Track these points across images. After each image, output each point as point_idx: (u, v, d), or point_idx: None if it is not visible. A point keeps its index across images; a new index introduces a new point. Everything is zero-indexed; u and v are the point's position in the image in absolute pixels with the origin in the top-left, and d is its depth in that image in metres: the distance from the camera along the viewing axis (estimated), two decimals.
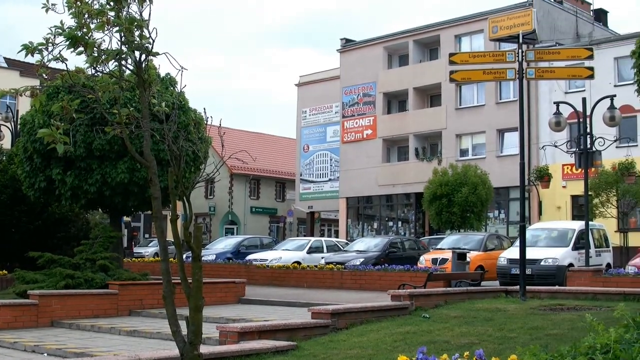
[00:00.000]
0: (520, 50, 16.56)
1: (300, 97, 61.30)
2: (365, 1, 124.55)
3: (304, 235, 58.91)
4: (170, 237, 15.82)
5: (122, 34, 6.56)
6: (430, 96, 52.05)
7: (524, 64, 16.50)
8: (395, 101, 53.98)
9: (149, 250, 50.16)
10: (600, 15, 54.34)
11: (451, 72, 17.29)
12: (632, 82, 15.66)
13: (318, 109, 59.74)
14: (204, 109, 7.02)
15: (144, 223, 63.92)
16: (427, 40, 52.35)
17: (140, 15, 6.60)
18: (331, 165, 58.26)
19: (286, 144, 73.42)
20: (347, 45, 56.24)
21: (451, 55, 17.14)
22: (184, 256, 7.63)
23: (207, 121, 6.98)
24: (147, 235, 63.02)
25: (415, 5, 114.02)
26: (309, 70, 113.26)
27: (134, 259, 36.91)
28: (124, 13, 6.57)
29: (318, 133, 59.62)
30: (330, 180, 58.25)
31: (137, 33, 6.62)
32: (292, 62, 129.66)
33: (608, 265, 25.89)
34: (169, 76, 20.19)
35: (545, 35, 45.49)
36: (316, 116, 59.95)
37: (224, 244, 37.35)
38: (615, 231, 34.79)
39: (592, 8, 53.69)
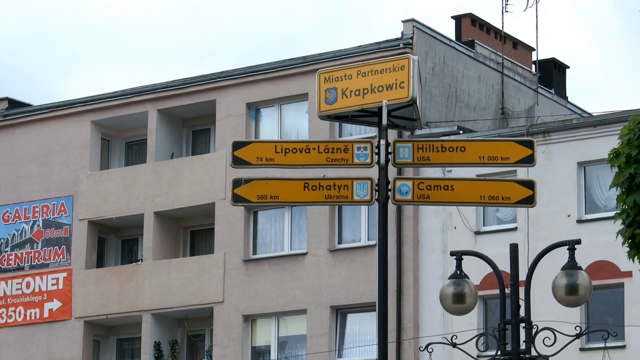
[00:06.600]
0: (383, 142, 9.38)
1: None
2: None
3: None
4: None
5: None
6: (191, 232, 34.19)
7: (391, 171, 9.78)
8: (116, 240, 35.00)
9: None
10: (552, 75, 30.60)
11: (236, 184, 10.17)
12: (612, 212, 11.47)
13: None
14: None
15: None
16: (188, 112, 31.77)
17: None
18: None
19: None
20: (12, 114, 32.79)
21: (237, 146, 10.06)
22: None
23: None
24: None
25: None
26: None
27: None
28: None
29: None
30: None
31: None
32: None
33: None
34: None
35: (437, 111, 28.80)
36: None
37: None
38: None
39: (535, 58, 30.40)
